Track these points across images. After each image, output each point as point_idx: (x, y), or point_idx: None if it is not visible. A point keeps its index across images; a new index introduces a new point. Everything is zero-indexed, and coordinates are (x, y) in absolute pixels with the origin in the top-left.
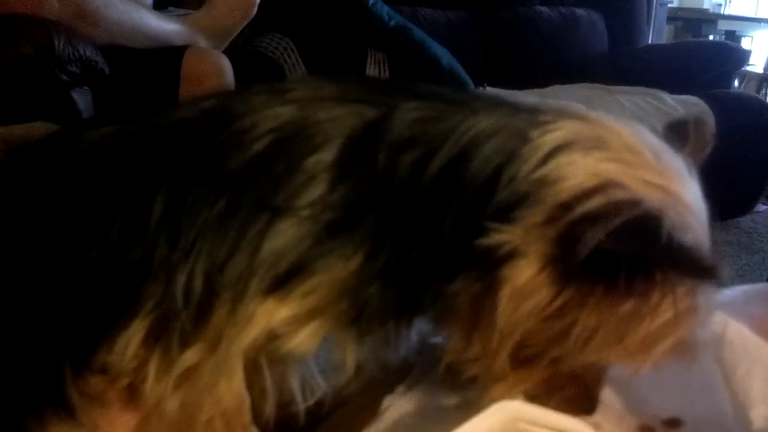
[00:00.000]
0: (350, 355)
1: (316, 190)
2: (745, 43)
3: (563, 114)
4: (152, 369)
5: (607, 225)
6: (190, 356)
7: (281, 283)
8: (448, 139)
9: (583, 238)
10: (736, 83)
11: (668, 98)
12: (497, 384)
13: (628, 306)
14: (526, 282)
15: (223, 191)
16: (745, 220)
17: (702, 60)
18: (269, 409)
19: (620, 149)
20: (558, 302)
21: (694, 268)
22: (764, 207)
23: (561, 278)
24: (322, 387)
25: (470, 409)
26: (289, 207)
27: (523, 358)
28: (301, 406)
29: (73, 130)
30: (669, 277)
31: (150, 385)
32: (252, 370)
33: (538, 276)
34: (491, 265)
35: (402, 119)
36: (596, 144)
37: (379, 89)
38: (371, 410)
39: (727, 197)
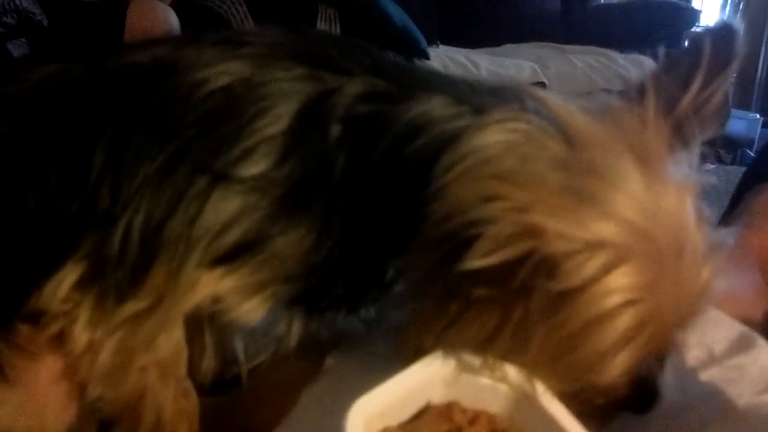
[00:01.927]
0: (296, 328)
1: (264, 161)
2: (695, 3)
3: (507, 110)
4: (85, 313)
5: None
6: (129, 308)
7: (231, 255)
8: (393, 123)
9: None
10: (686, 44)
11: (619, 58)
12: None
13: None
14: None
15: (165, 146)
16: None
17: (653, 19)
18: (207, 366)
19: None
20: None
21: None
22: (712, 166)
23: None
24: (265, 352)
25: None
26: (230, 174)
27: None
28: (242, 368)
29: (11, 68)
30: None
31: (80, 329)
32: (193, 327)
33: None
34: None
35: (353, 93)
36: (518, 159)
37: (339, 52)
38: (313, 369)
39: None
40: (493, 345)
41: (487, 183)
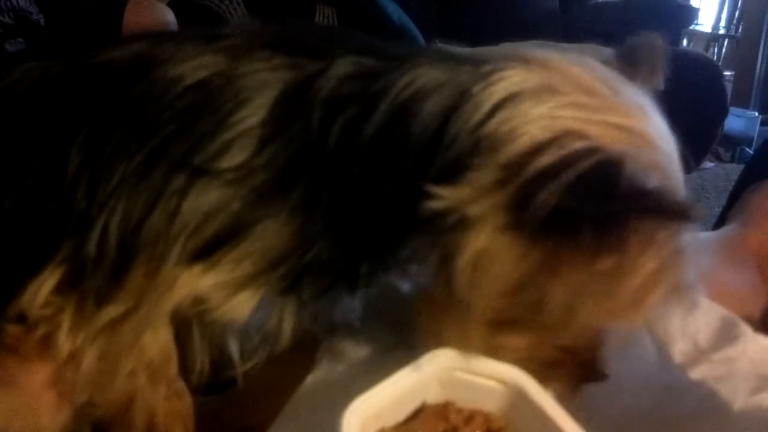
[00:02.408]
0: (288, 321)
1: (243, 152)
2: (693, 1)
3: (509, 60)
4: (66, 318)
5: (561, 181)
6: (109, 312)
7: (208, 250)
8: (386, 95)
9: (537, 199)
10: (684, 42)
11: None
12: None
13: (605, 264)
14: (482, 250)
15: (141, 145)
16: (692, 177)
17: (651, 17)
18: (201, 367)
19: (574, 92)
20: (522, 270)
21: (668, 210)
22: (711, 164)
23: (521, 244)
24: (261, 353)
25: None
26: (210, 168)
27: (497, 328)
28: (237, 368)
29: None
30: (645, 224)
31: (63, 335)
32: (183, 329)
33: (495, 243)
34: (442, 232)
35: (338, 75)
36: (547, 90)
37: (319, 38)
38: (306, 364)
39: None
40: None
41: (550, 115)
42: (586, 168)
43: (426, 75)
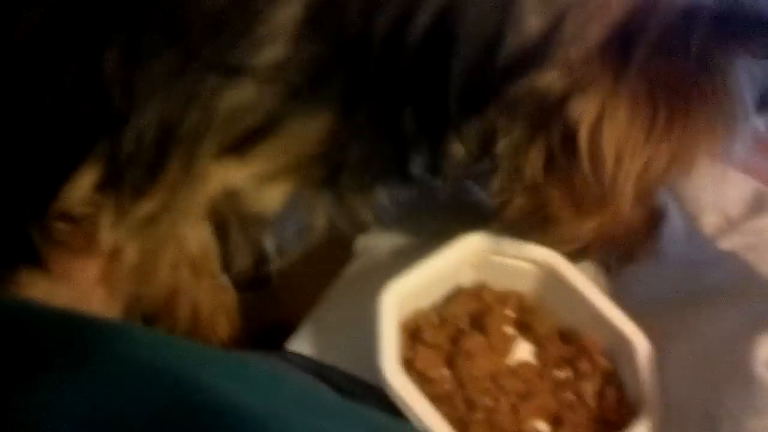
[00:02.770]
0: (321, 217)
1: (278, 49)
2: None
3: None
4: (107, 215)
5: (650, 34)
6: (145, 206)
7: (242, 143)
8: None
9: (632, 57)
10: None
11: None
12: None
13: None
14: (598, 116)
15: (176, 44)
16: None
17: None
18: (242, 263)
19: None
20: (636, 131)
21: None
22: None
23: (631, 101)
24: (296, 248)
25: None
26: (243, 66)
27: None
28: (274, 264)
29: None
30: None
31: (105, 231)
32: (220, 226)
33: (609, 106)
34: (542, 111)
35: None
36: None
37: None
38: (340, 259)
39: None
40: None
41: None
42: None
43: None
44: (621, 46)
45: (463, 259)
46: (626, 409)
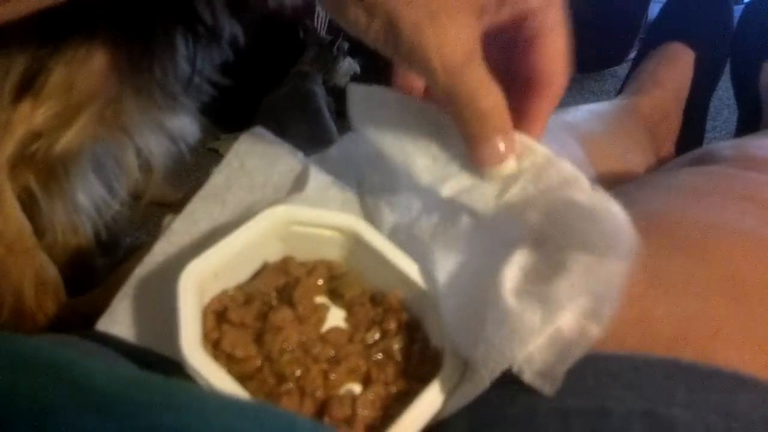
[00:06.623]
0: (130, 155)
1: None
2: None
3: None
4: None
5: None
6: None
7: (26, 87)
8: None
9: None
10: None
11: None
12: None
13: None
14: None
15: None
16: (622, 69)
17: None
18: (60, 237)
19: None
20: None
21: None
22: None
23: None
24: (113, 202)
25: None
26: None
27: None
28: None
29: None
30: None
31: None
32: (28, 201)
33: None
34: None
35: None
36: None
37: None
38: None
39: (601, 47)
40: None
41: None
42: None
43: None
44: None
45: (266, 233)
46: (431, 360)
